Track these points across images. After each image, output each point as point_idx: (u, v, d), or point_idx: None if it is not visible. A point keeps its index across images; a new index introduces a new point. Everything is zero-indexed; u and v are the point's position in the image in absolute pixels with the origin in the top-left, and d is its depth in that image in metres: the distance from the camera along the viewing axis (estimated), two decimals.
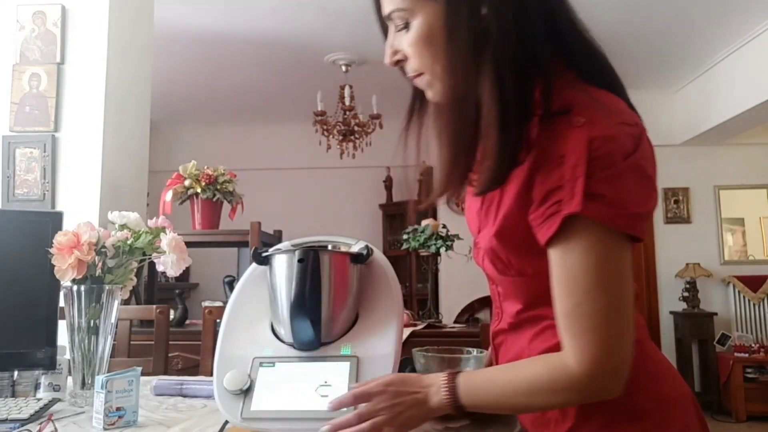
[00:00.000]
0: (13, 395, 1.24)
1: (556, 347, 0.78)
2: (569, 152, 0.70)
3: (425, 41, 0.79)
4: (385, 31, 0.86)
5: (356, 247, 1.05)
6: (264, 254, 1.01)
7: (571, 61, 0.79)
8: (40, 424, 0.98)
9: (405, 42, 0.81)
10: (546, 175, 0.72)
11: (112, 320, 1.24)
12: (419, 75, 0.83)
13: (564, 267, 0.73)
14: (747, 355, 4.57)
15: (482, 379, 0.81)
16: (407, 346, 1.80)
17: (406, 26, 0.80)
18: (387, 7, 0.81)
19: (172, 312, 2.12)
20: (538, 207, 0.74)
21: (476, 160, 0.81)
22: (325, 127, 4.59)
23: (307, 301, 0.93)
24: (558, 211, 0.71)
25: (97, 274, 1.22)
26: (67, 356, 1.24)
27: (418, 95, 0.89)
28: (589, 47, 0.81)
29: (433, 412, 0.81)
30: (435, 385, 0.80)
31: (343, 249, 1.05)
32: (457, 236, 2.97)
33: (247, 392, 0.93)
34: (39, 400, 1.14)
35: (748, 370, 4.52)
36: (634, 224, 0.71)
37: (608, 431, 0.79)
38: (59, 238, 1.17)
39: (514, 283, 0.85)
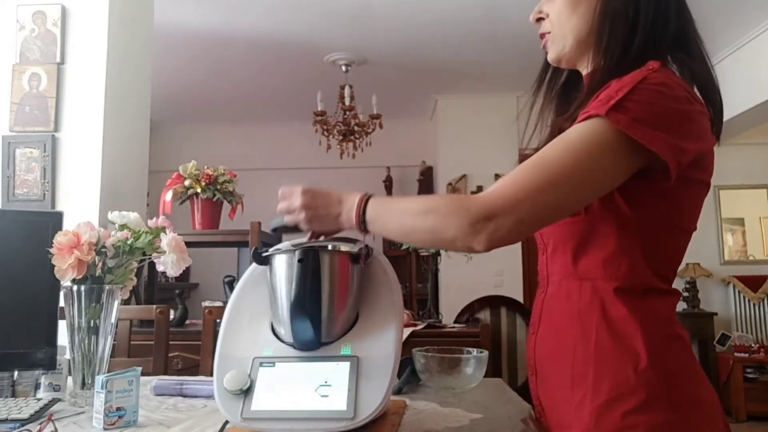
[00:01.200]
0: (13, 395, 1.24)
1: (609, 317, 0.83)
2: (626, 81, 0.79)
3: (570, 3, 0.93)
4: None
5: (356, 247, 1.05)
6: (264, 254, 1.01)
7: (674, 45, 0.90)
8: (40, 424, 0.98)
9: (552, 4, 0.96)
10: (601, 93, 0.81)
11: (112, 320, 1.24)
12: (548, 32, 0.97)
13: (560, 137, 0.80)
14: (747, 355, 4.57)
15: (392, 200, 0.90)
16: (407, 346, 1.80)
17: None
18: None
19: (172, 312, 2.12)
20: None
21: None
22: (325, 127, 4.59)
23: (307, 301, 0.93)
24: (590, 109, 0.79)
25: (97, 274, 1.22)
26: (67, 356, 1.25)
27: (550, 65, 1.02)
28: (693, 40, 0.93)
29: (342, 224, 0.91)
30: (349, 203, 0.90)
31: (343, 249, 1.05)
32: None
33: (247, 392, 0.92)
34: (39, 400, 1.14)
35: (748, 370, 4.52)
36: (651, 137, 0.76)
37: (640, 415, 0.79)
38: (59, 238, 1.17)
39: (565, 227, 0.89)
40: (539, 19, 0.99)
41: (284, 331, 0.98)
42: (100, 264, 1.23)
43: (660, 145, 0.76)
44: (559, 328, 0.90)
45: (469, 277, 4.54)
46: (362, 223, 0.88)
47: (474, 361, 1.30)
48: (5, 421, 1.02)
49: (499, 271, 4.79)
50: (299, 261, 0.94)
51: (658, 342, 0.82)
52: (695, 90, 0.87)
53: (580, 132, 0.79)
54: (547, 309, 0.94)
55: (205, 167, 2.65)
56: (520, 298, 4.39)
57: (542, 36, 0.99)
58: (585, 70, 0.97)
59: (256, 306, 1.03)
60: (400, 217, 0.86)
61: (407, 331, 2.53)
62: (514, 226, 0.76)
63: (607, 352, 0.83)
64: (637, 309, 0.83)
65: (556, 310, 0.92)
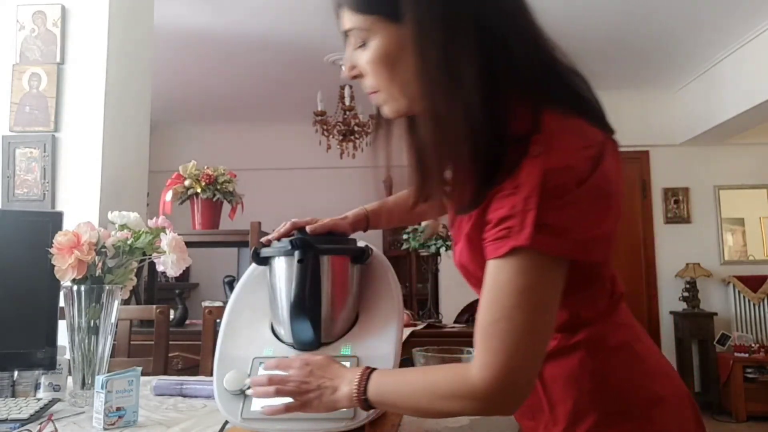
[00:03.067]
0: (13, 395, 1.24)
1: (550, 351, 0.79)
2: (523, 183, 0.71)
3: (382, 62, 0.79)
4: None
5: (356, 247, 1.05)
6: (263, 255, 1.01)
7: (532, 84, 0.78)
8: (40, 424, 0.98)
9: (362, 59, 0.81)
10: (501, 201, 0.73)
11: (112, 320, 1.24)
12: (375, 92, 0.84)
13: (496, 279, 0.73)
14: (747, 355, 4.57)
15: (393, 377, 0.83)
16: (407, 346, 1.79)
17: (364, 44, 0.81)
18: (346, 24, 0.82)
19: (172, 312, 2.12)
20: (491, 228, 0.74)
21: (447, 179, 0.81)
22: (325, 127, 4.59)
23: (306, 301, 0.93)
24: (507, 236, 0.71)
25: (97, 274, 1.22)
26: (67, 356, 1.25)
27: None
28: (549, 65, 0.79)
29: (339, 403, 0.83)
30: (348, 377, 0.83)
31: (343, 249, 1.05)
32: None
33: (246, 392, 0.93)
34: (39, 400, 1.14)
35: (748, 370, 4.52)
36: (582, 249, 0.72)
37: (602, 430, 0.80)
38: (59, 238, 1.17)
39: None
40: (356, 76, 0.84)
41: (284, 331, 0.98)
42: (100, 264, 1.23)
43: (595, 253, 0.74)
44: None
45: None
46: (364, 401, 0.81)
47: None
48: (5, 421, 1.02)
49: None
50: (299, 261, 0.94)
51: (600, 359, 0.81)
52: (586, 119, 0.77)
53: (515, 272, 0.71)
54: None
55: (205, 167, 2.65)
56: None
57: (369, 94, 0.86)
58: None
59: (256, 306, 1.03)
60: (409, 400, 0.80)
61: (407, 331, 2.53)
62: (525, 387, 0.74)
63: (553, 380, 0.83)
64: (577, 340, 0.82)
65: None
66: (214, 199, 2.62)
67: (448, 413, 0.79)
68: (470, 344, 1.46)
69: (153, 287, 2.81)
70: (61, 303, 1.24)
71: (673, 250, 5.11)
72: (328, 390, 0.84)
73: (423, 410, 0.81)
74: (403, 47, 0.77)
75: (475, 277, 0.80)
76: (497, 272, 0.73)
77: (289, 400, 0.86)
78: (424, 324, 2.80)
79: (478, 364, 0.73)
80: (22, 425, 1.01)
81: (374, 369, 0.83)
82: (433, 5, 0.75)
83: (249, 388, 0.92)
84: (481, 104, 0.73)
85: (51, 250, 1.17)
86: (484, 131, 0.74)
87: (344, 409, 0.86)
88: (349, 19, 0.81)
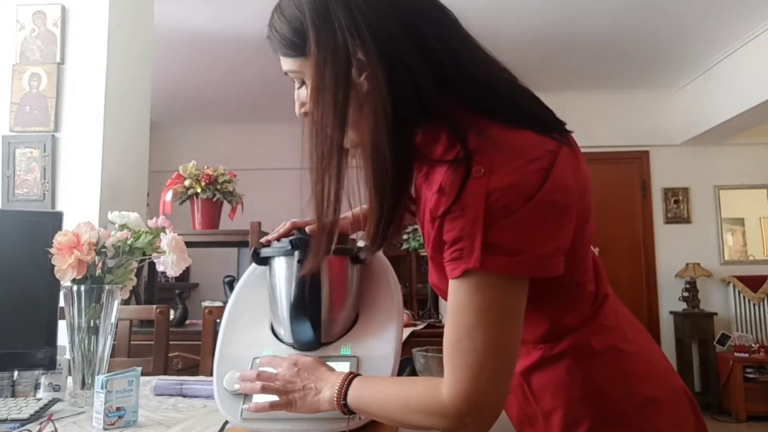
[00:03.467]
0: (13, 395, 1.24)
1: (536, 362, 0.83)
2: (469, 205, 0.70)
3: (312, 100, 0.83)
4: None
5: (356, 247, 1.05)
6: (263, 255, 1.01)
7: (466, 100, 0.77)
8: (40, 424, 0.98)
9: (306, 97, 0.84)
10: (451, 224, 0.72)
11: (112, 320, 1.24)
12: None
13: (455, 300, 0.74)
14: (747, 355, 4.57)
15: (371, 385, 0.84)
16: (407, 346, 1.80)
17: (304, 83, 0.85)
18: (284, 67, 0.86)
19: (172, 312, 2.12)
20: (447, 249, 0.74)
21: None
22: None
23: (306, 301, 0.93)
24: (460, 258, 0.71)
25: (97, 274, 1.22)
26: (67, 356, 1.25)
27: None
28: (485, 82, 0.78)
29: (321, 405, 0.85)
30: (331, 381, 0.85)
31: (342, 249, 1.05)
32: None
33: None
34: (39, 400, 1.14)
35: (748, 370, 4.52)
36: (536, 267, 0.71)
37: None
38: (59, 238, 1.17)
39: None
40: (306, 113, 0.87)
41: (284, 331, 0.98)
42: (100, 264, 1.23)
43: (552, 268, 0.72)
44: None
45: None
46: (343, 407, 0.83)
47: None
48: (5, 421, 1.02)
49: None
50: (299, 262, 0.94)
51: (586, 365, 0.81)
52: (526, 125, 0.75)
53: (471, 292, 0.72)
54: None
55: (205, 167, 2.65)
56: None
57: None
58: None
59: (256, 306, 1.03)
60: (386, 408, 0.81)
61: (407, 331, 2.53)
62: (493, 405, 0.73)
63: (542, 391, 0.83)
64: (561, 349, 0.82)
65: None
66: (214, 199, 2.62)
67: (420, 427, 0.79)
68: None
69: (153, 287, 2.81)
70: (61, 303, 1.24)
71: (673, 250, 5.11)
72: (312, 392, 0.85)
73: (396, 421, 0.82)
74: None
75: (446, 293, 0.80)
76: (456, 292, 0.74)
77: (275, 398, 0.88)
78: (424, 324, 2.80)
79: (446, 382, 0.74)
80: (22, 425, 1.01)
81: (357, 375, 0.85)
82: (324, 43, 0.77)
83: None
84: (387, 135, 0.74)
85: (51, 250, 1.17)
86: (390, 161, 0.74)
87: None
88: (284, 63, 0.85)
